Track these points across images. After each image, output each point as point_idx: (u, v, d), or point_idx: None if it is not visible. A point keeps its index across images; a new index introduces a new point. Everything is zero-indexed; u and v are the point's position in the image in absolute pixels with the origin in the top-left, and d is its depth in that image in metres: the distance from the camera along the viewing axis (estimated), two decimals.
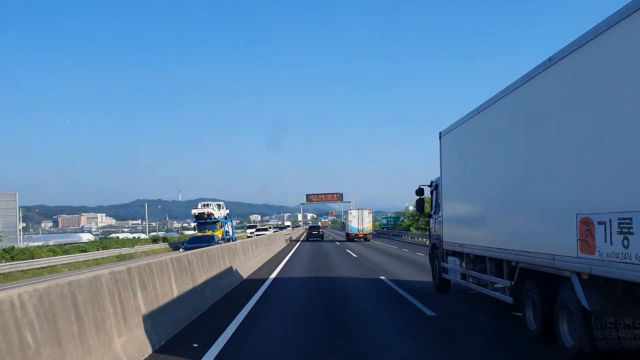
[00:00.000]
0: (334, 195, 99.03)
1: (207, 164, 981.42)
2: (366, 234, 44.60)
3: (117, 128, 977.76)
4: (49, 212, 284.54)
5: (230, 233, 46.86)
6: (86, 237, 64.52)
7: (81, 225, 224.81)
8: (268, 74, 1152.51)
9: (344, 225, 59.72)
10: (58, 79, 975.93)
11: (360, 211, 45.03)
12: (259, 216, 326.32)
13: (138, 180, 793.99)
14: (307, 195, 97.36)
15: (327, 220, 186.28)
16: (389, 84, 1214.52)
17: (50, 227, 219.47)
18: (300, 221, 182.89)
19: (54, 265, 28.37)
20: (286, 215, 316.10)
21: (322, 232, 52.27)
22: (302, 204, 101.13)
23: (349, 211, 46.01)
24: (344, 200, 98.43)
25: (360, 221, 44.51)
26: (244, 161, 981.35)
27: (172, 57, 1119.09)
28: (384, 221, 71.94)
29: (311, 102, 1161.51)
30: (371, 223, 45.32)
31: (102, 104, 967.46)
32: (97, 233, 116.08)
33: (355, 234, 44.59)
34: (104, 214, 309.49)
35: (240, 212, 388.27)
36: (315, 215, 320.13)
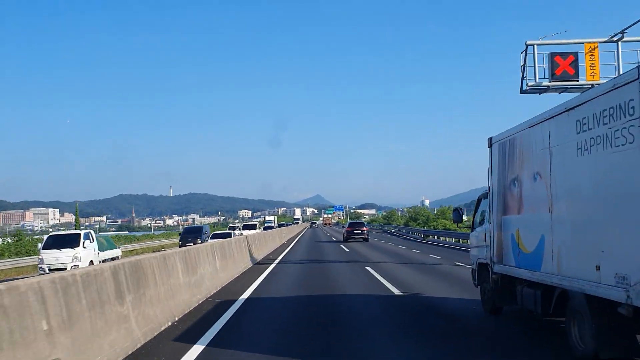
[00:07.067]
0: None
1: (200, 158, 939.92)
2: None
3: (103, 118, 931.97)
4: (8, 207, 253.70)
5: None
6: None
7: (22, 223, 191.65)
8: (266, 65, 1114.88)
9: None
10: (46, 69, 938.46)
11: None
12: (250, 212, 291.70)
13: (124, 174, 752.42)
14: None
15: (329, 216, 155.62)
16: (390, 78, 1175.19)
17: None
18: (296, 217, 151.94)
19: None
20: (281, 210, 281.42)
21: (367, 230, 39.46)
22: None
23: None
24: None
25: None
26: (240, 155, 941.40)
27: (165, 50, 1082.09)
28: None
29: (313, 95, 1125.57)
30: None
31: (91, 94, 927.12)
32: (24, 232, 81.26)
33: None
34: (57, 210, 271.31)
35: (231, 208, 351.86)
36: (315, 211, 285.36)
